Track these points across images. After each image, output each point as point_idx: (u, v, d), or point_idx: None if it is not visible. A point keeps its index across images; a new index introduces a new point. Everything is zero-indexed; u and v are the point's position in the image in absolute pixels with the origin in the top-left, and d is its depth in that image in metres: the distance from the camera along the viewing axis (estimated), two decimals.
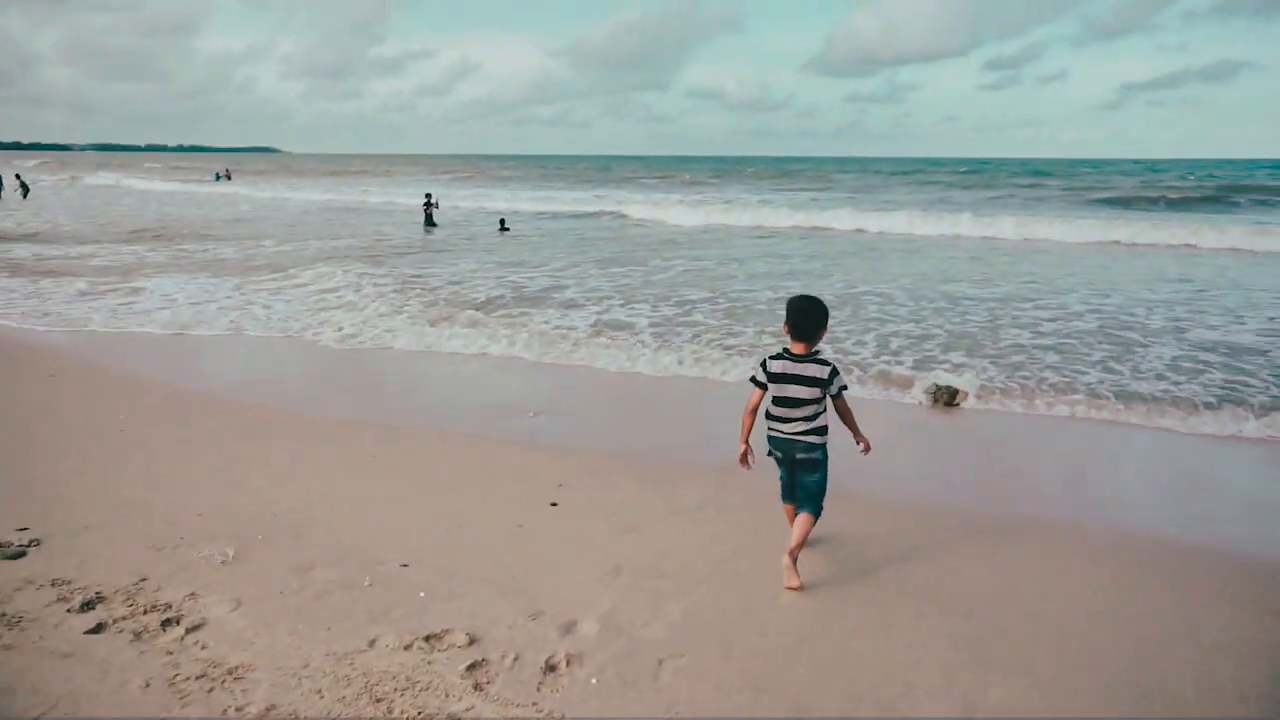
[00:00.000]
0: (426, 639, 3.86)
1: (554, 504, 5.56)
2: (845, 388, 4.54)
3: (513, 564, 4.66)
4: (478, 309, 12.70)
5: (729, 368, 9.36)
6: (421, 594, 4.29)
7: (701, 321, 11.96)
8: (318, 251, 20.29)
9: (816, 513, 4.53)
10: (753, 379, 4.58)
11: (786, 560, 4.39)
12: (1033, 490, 6.08)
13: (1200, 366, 9.24)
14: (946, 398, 8.07)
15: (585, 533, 5.10)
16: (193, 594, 4.22)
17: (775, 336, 10.74)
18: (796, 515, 4.54)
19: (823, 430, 4.53)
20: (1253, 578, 4.65)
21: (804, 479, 4.58)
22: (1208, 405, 7.76)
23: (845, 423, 4.60)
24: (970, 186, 52.89)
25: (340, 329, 11.53)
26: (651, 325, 11.66)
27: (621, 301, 13.46)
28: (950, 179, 63.71)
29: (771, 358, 4.52)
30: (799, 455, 4.54)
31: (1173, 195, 40.12)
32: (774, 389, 4.48)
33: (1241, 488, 6.26)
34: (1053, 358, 9.68)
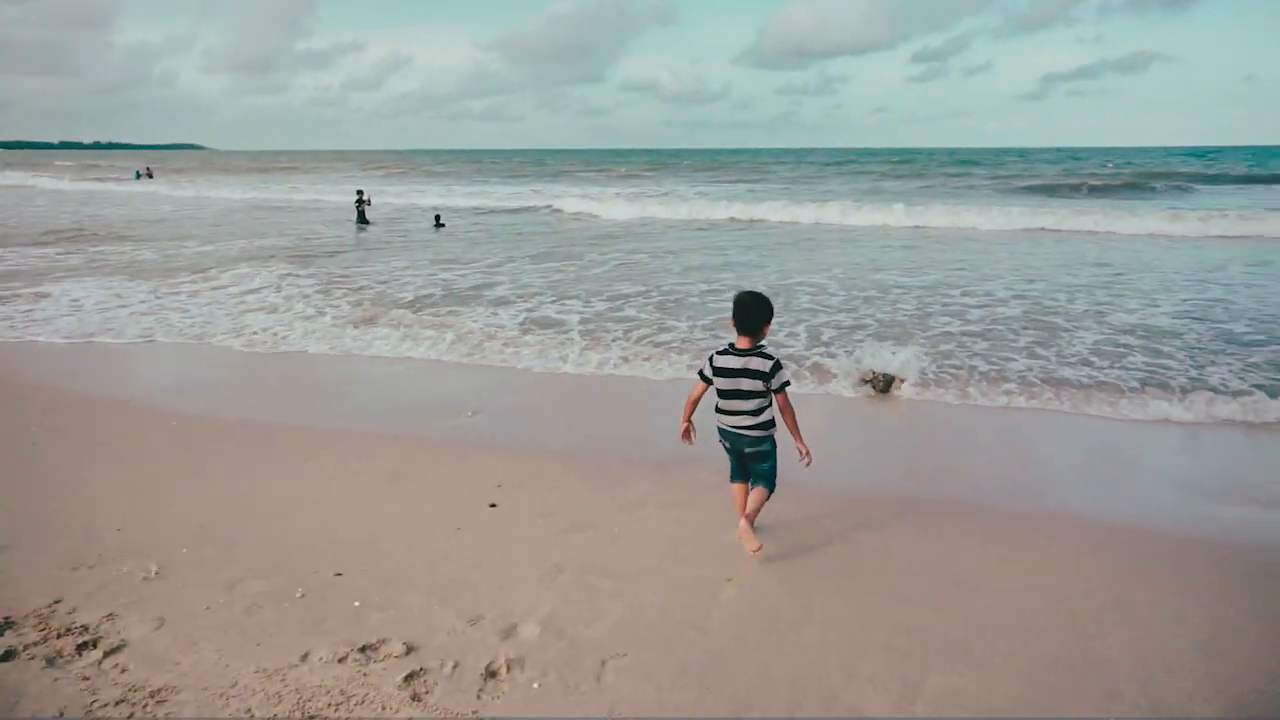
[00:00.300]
0: (362, 650, 3.75)
1: (493, 505, 5.47)
2: (788, 383, 4.60)
3: (451, 568, 4.56)
4: (405, 308, 12.36)
5: (663, 366, 9.26)
6: (356, 603, 4.17)
7: (634, 316, 11.83)
8: (241, 252, 19.58)
9: (771, 488, 4.73)
10: (700, 372, 4.70)
11: (743, 524, 4.58)
12: (966, 476, 6.19)
13: (1121, 349, 9.56)
14: (882, 384, 8.19)
15: (525, 533, 5.03)
16: (111, 614, 4.03)
17: (707, 330, 10.77)
18: (751, 489, 4.74)
19: (769, 424, 4.65)
20: (1176, 552, 4.81)
21: (755, 468, 4.77)
22: (1132, 389, 8.01)
23: (785, 422, 4.63)
24: (902, 176, 53.88)
25: (258, 333, 11.10)
26: (582, 322, 11.48)
27: (554, 298, 13.27)
28: (882, 169, 64.75)
29: (718, 352, 4.62)
30: (747, 450, 4.70)
31: (1094, 182, 41.50)
32: (720, 382, 4.59)
33: (1163, 467, 6.47)
34: (981, 345, 9.89)
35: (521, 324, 11.42)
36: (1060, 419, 7.46)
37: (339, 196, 38.26)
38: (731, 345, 4.60)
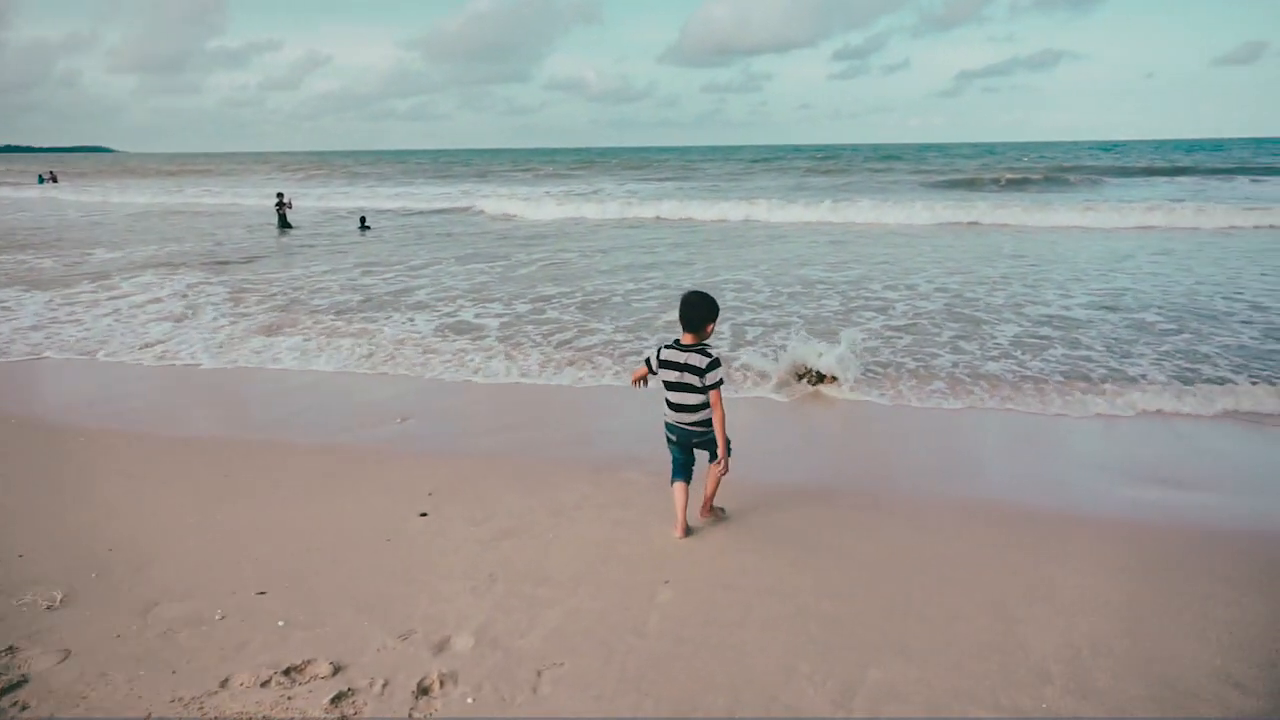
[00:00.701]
0: (286, 672, 3.58)
1: (423, 514, 5.32)
2: (720, 383, 4.65)
3: (380, 582, 4.41)
4: (319, 315, 12.00)
5: (583, 375, 8.93)
6: (280, 623, 4.00)
7: (555, 319, 11.62)
8: (150, 259, 18.68)
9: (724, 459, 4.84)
10: (646, 359, 4.86)
11: (703, 515, 5.10)
12: (895, 469, 6.28)
13: (1041, 342, 9.83)
14: (814, 379, 8.27)
15: (458, 542, 4.90)
16: (12, 648, 3.77)
17: (630, 333, 10.76)
18: (709, 468, 4.95)
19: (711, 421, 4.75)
20: (1101, 538, 4.94)
21: (701, 452, 4.98)
22: (1057, 384, 8.17)
23: (713, 421, 4.67)
24: (828, 172, 54.66)
25: (160, 344, 10.55)
26: (502, 326, 11.20)
27: (474, 301, 13.01)
28: (808, 165, 65.68)
29: (665, 346, 4.75)
30: (694, 441, 4.88)
31: (1011, 176, 42.82)
32: (664, 374, 4.73)
33: (1082, 454, 6.66)
34: (907, 340, 10.05)
35: (437, 329, 11.10)
36: (988, 415, 7.59)
37: (258, 200, 37.07)
38: (677, 341, 4.73)
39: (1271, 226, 21.63)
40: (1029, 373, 8.60)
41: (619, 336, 10.52)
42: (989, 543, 4.85)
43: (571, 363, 9.36)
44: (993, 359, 9.14)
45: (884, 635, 3.86)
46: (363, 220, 26.20)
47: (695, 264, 17.22)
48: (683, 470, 4.93)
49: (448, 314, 12.09)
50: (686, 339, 4.68)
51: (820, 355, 8.31)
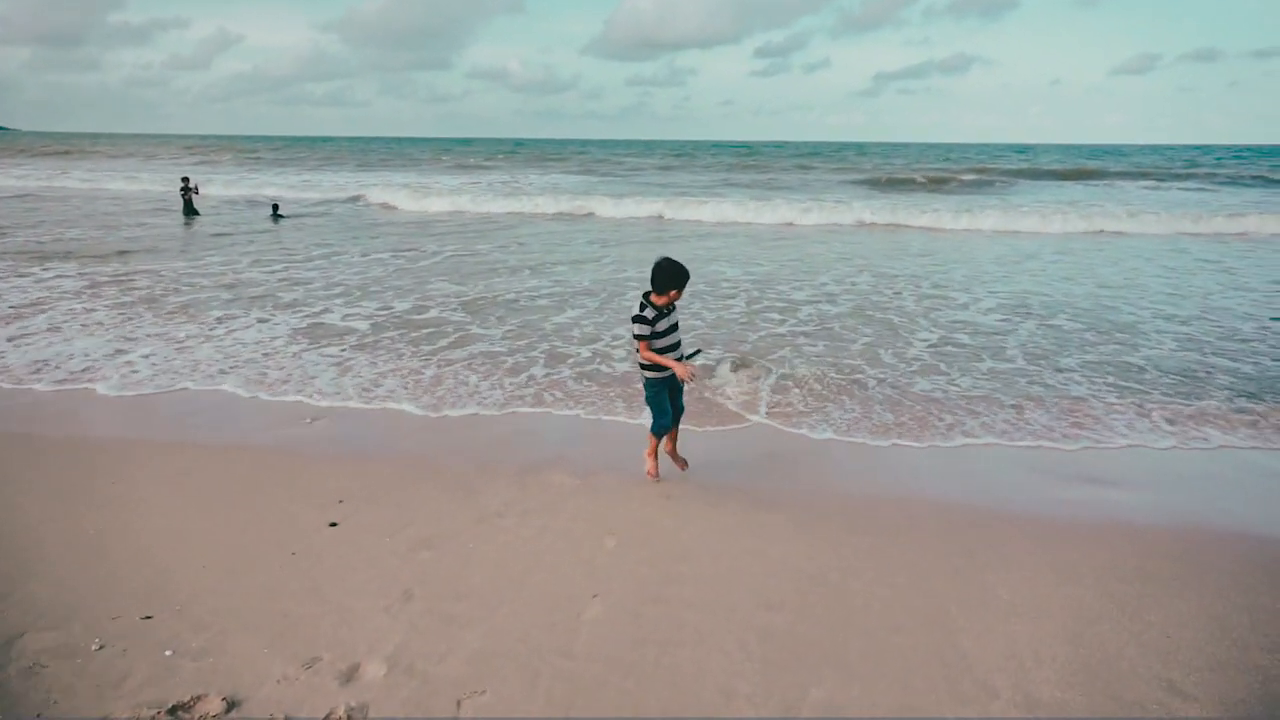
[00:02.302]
0: (172, 711, 3.21)
1: (333, 524, 4.95)
2: (638, 334, 5.28)
3: (284, 602, 4.04)
4: (168, 314, 10.89)
5: (432, 398, 7.58)
6: (168, 652, 3.60)
7: (438, 319, 10.74)
8: (19, 248, 16.89)
9: None
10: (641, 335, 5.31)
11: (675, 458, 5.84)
12: (827, 474, 6.16)
13: (963, 351, 9.30)
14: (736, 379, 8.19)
15: (370, 555, 4.56)
16: None
17: (510, 338, 9.74)
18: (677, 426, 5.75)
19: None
20: (1033, 539, 4.89)
21: (679, 401, 5.67)
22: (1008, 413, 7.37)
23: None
24: (749, 169, 54.89)
25: None
26: (373, 328, 10.22)
27: (356, 298, 12.14)
28: (731, 161, 65.85)
29: (652, 317, 5.24)
30: (684, 387, 5.73)
31: (921, 178, 43.78)
32: (662, 337, 5.32)
33: (1016, 456, 6.65)
34: (819, 347, 9.44)
35: (293, 331, 10.05)
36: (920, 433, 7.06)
37: (163, 185, 35.15)
38: (651, 304, 5.23)
39: (1180, 234, 22.44)
40: (953, 386, 8.03)
41: (497, 347, 9.39)
42: (926, 547, 4.74)
43: (416, 378, 8.16)
44: (916, 372, 8.49)
45: (825, 650, 3.69)
46: (275, 208, 25.10)
47: (604, 259, 16.66)
48: (675, 418, 5.66)
49: (315, 313, 11.06)
50: (661, 300, 5.23)
51: (738, 384, 7.92)
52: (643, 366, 5.41)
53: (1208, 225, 22.87)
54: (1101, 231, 22.35)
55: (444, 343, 9.60)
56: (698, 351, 6.08)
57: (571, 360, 8.88)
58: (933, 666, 3.58)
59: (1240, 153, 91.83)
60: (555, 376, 8.27)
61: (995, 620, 3.96)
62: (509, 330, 10.23)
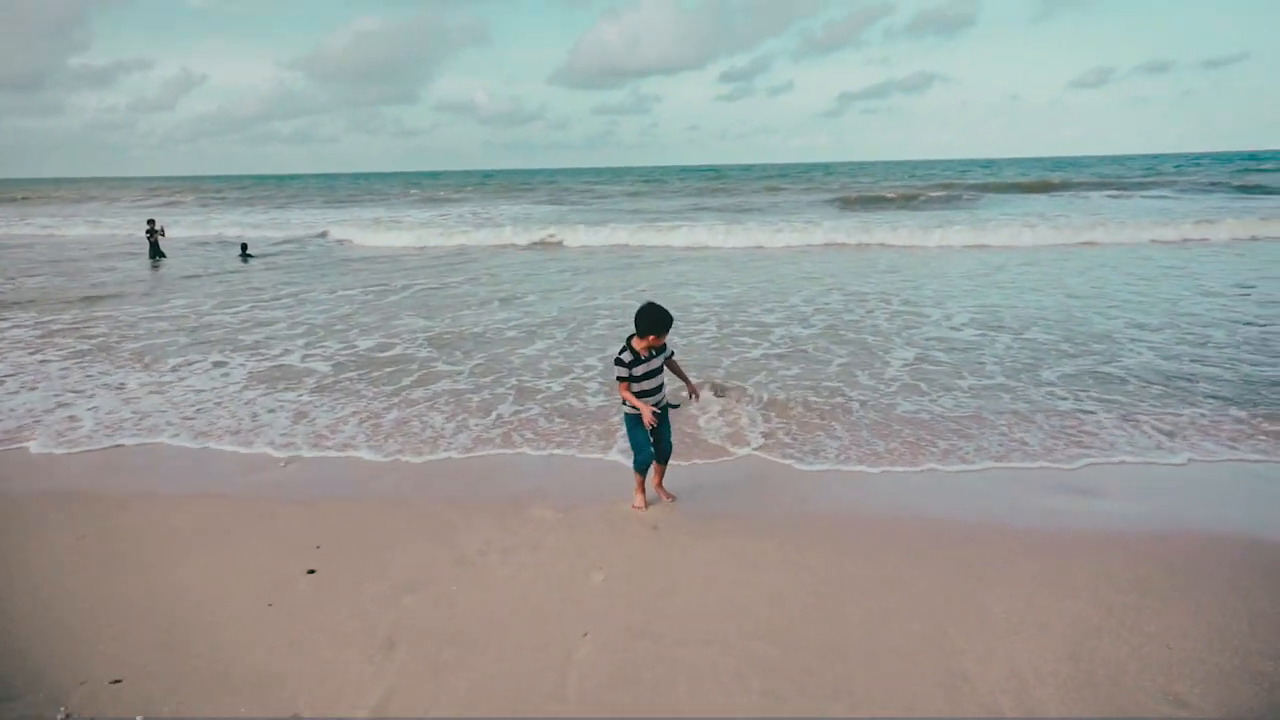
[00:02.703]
0: None
1: (311, 571, 4.79)
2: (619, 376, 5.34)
3: (261, 656, 3.88)
4: (122, 363, 10.43)
5: (388, 441, 7.22)
6: (139, 718, 3.43)
7: (402, 355, 10.41)
8: None
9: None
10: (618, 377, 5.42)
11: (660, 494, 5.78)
12: (814, 496, 6.09)
13: (941, 370, 9.13)
14: (719, 390, 8.23)
15: (350, 602, 4.40)
16: None
17: (478, 375, 9.33)
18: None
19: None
20: (1026, 554, 4.84)
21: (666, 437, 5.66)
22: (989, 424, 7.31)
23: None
24: (718, 193, 54.96)
25: None
26: (335, 368, 9.87)
27: (320, 337, 11.71)
28: (700, 185, 65.75)
29: (635, 361, 5.33)
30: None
31: (890, 195, 44.29)
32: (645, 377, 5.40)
33: (1001, 494, 6.62)
34: (795, 370, 9.26)
35: (248, 378, 9.56)
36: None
37: (129, 229, 34.63)
38: (631, 347, 5.31)
39: (1154, 240, 22.69)
40: (938, 409, 7.72)
41: (462, 384, 9.03)
42: (918, 566, 4.67)
43: (401, 426, 7.59)
44: (894, 391, 8.32)
45: (826, 680, 3.60)
46: (244, 248, 24.80)
47: (574, 288, 16.46)
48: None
49: (277, 355, 10.67)
50: (645, 344, 5.29)
51: (722, 421, 7.74)
52: (623, 401, 5.42)
53: (1175, 231, 23.07)
54: (1070, 244, 22.52)
55: (407, 380, 9.29)
56: (675, 405, 5.96)
57: (541, 395, 8.57)
58: (936, 690, 3.50)
59: (1197, 160, 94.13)
60: (525, 414, 7.94)
61: (995, 639, 3.88)
62: (477, 365, 9.92)
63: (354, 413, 8.13)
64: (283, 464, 6.81)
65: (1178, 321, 11.45)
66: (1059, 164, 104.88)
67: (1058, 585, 4.41)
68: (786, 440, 7.08)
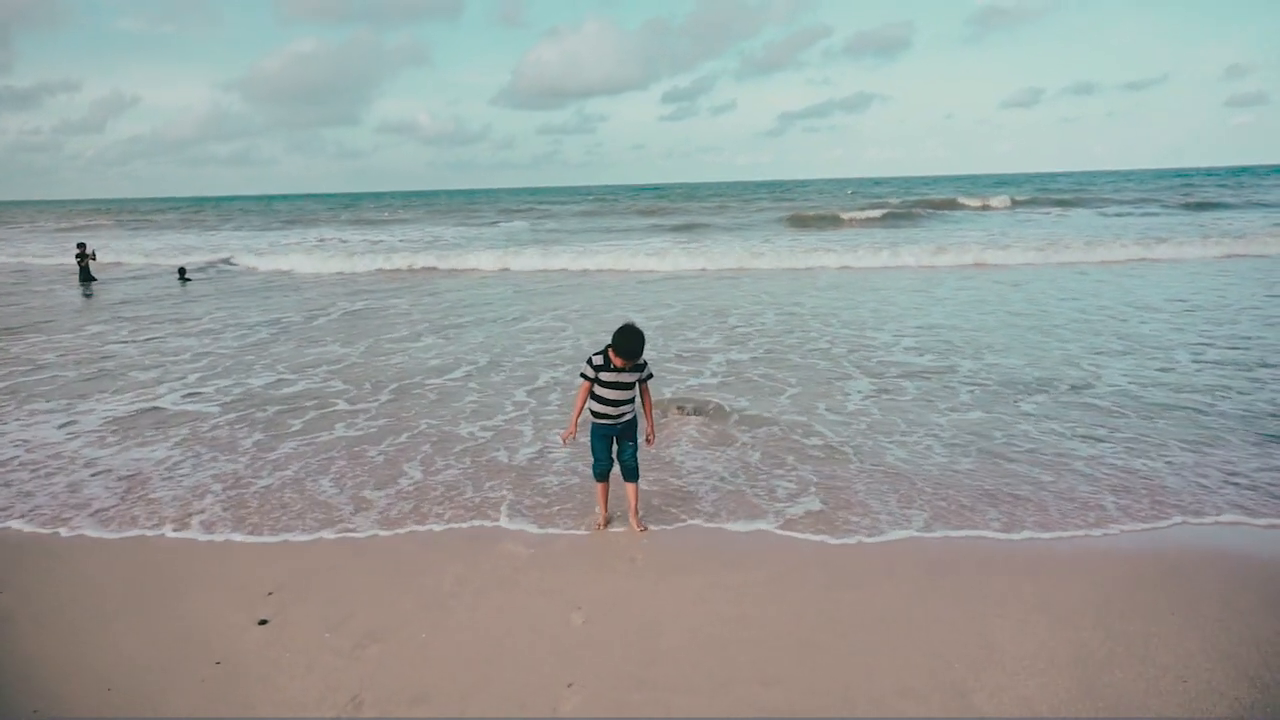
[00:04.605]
0: None
1: (263, 621, 4.39)
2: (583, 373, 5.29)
3: None
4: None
5: (276, 518, 5.79)
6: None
7: (308, 393, 9.33)
8: None
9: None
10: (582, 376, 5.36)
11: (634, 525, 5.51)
12: (804, 512, 5.86)
13: (910, 401, 8.49)
14: (690, 410, 7.99)
15: (310, 656, 4.02)
16: None
17: (389, 406, 8.60)
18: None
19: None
20: (1028, 579, 4.67)
21: (626, 458, 5.49)
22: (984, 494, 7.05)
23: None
24: (668, 213, 53.73)
25: None
26: (224, 408, 8.74)
27: (227, 369, 10.79)
28: (650, 205, 64.63)
29: (605, 368, 5.20)
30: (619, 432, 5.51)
31: (860, 216, 44.35)
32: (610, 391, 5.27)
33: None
34: (744, 402, 8.92)
35: (103, 424, 8.29)
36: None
37: (55, 258, 33.14)
38: (608, 356, 5.15)
39: (1138, 260, 23.17)
40: (942, 460, 6.65)
41: (370, 423, 7.95)
42: (914, 595, 4.46)
43: (268, 497, 6.18)
44: (873, 430, 7.46)
45: None
46: (182, 272, 23.93)
47: (511, 311, 16.17)
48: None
49: (149, 398, 9.36)
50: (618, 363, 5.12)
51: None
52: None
53: (1121, 252, 23.01)
54: (1065, 264, 22.84)
55: (297, 425, 8.06)
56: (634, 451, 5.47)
57: (460, 449, 7.19)
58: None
59: (1129, 176, 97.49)
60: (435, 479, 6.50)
61: (1004, 676, 3.68)
62: (386, 403, 8.81)
63: (216, 476, 6.69)
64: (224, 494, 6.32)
65: (1139, 346, 11.53)
66: (1002, 180, 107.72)
67: (1057, 612, 4.23)
68: (779, 497, 6.13)
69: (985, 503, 5.82)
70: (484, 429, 7.84)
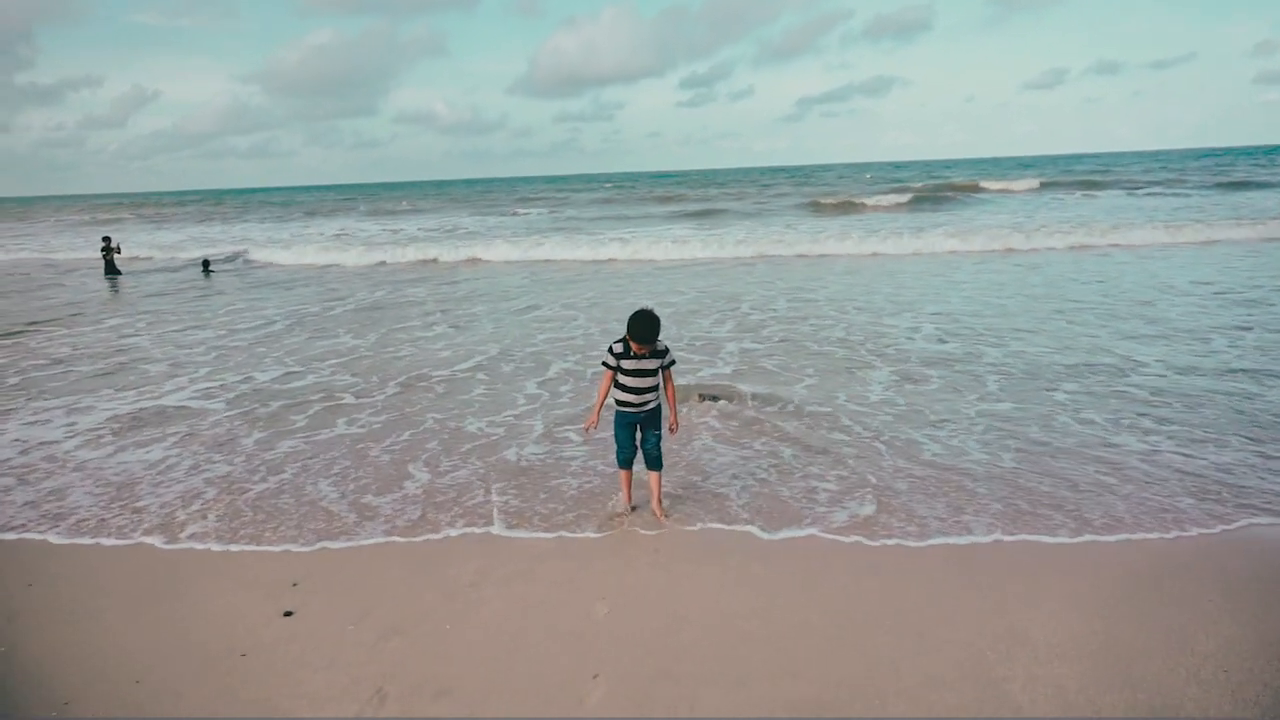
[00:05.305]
0: None
1: (288, 613, 4.39)
2: (604, 361, 5.28)
3: (233, 716, 3.48)
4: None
5: (246, 531, 5.47)
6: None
7: (313, 385, 9.28)
8: None
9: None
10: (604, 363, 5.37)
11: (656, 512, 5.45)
12: (831, 510, 5.78)
13: (936, 390, 8.71)
14: (711, 398, 7.98)
15: (333, 647, 4.01)
16: None
17: (393, 402, 8.40)
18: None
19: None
20: (1054, 567, 4.58)
21: (649, 448, 5.46)
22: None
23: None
24: (686, 199, 53.60)
25: None
26: (230, 403, 8.65)
27: (229, 365, 10.67)
28: (668, 192, 64.27)
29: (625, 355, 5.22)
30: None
31: (869, 200, 43.94)
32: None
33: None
34: (762, 388, 8.92)
35: (101, 423, 8.11)
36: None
37: (81, 252, 33.48)
38: (627, 343, 5.16)
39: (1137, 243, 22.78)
40: (985, 458, 6.29)
41: (377, 420, 7.74)
42: (940, 585, 4.39)
43: (261, 504, 5.93)
44: (901, 420, 7.23)
45: (863, 710, 3.28)
46: (206, 264, 24.14)
47: (519, 299, 16.28)
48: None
49: (156, 395, 9.25)
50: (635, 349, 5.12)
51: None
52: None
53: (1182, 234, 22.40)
54: (1085, 246, 22.39)
55: (300, 421, 7.91)
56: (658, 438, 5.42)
57: (467, 448, 6.97)
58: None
59: (1157, 156, 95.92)
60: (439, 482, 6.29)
61: (1037, 665, 3.60)
62: (392, 396, 8.70)
63: (213, 481, 6.45)
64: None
65: (1171, 331, 11.28)
66: (1025, 162, 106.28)
67: (1087, 602, 4.15)
68: (804, 500, 5.87)
69: (1047, 506, 5.38)
70: (492, 425, 7.80)
